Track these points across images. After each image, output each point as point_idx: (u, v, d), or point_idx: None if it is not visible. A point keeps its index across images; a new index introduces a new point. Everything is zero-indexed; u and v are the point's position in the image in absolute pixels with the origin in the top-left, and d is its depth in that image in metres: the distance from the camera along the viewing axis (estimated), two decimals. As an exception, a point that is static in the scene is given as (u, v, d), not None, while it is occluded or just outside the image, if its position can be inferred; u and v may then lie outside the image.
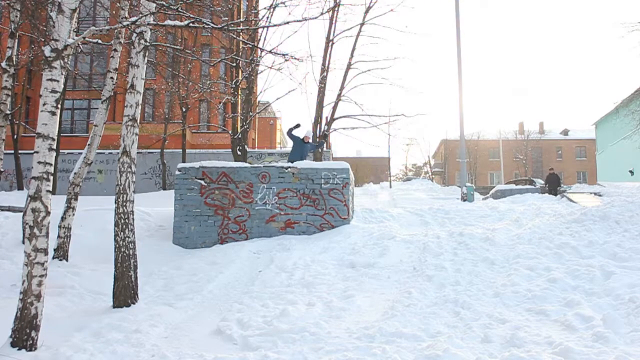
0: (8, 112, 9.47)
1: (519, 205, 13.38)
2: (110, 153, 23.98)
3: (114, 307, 5.89)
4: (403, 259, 7.62)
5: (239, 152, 17.14)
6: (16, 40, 9.35)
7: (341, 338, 4.63)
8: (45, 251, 4.57)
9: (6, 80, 9.28)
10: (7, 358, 4.17)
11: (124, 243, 6.08)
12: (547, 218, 9.45)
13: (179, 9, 7.00)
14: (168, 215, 10.56)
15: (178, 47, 16.49)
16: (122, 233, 6.10)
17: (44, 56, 4.66)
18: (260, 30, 16.90)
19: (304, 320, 5.14)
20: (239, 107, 18.48)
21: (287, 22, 6.75)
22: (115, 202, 6.17)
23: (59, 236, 8.05)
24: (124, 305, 5.87)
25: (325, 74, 17.69)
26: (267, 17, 15.92)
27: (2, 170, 9.66)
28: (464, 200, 17.51)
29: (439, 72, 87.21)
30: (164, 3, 6.43)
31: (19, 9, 9.31)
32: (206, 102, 27.21)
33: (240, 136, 17.34)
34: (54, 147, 4.67)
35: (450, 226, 10.53)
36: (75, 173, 8.37)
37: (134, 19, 5.84)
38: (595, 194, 17.79)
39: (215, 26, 6.29)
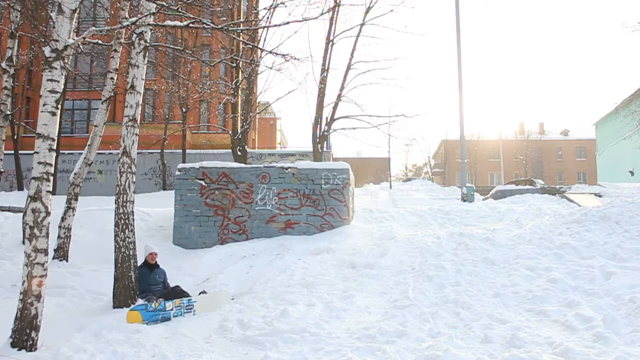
0: (8, 112, 9.48)
1: (519, 205, 13.38)
2: (110, 153, 23.91)
3: (114, 307, 5.90)
4: (403, 260, 7.62)
5: (239, 153, 17.16)
6: (16, 41, 9.37)
7: (341, 338, 4.64)
8: (45, 251, 4.57)
9: (6, 81, 9.30)
10: (7, 358, 4.16)
11: (124, 243, 6.09)
12: (547, 218, 9.44)
13: (179, 10, 7.01)
14: (168, 216, 10.56)
15: (178, 47, 16.48)
16: (122, 233, 6.10)
17: (44, 56, 4.66)
18: (260, 30, 16.90)
19: (304, 320, 5.14)
20: (239, 108, 18.48)
21: (287, 23, 6.75)
22: (116, 203, 6.18)
23: (59, 236, 8.05)
24: (124, 306, 5.87)
25: (325, 74, 17.66)
26: (267, 18, 15.96)
27: (2, 170, 9.66)
28: (464, 201, 17.50)
29: (439, 72, 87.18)
30: (164, 3, 6.43)
31: (19, 9, 9.32)
32: (206, 102, 27.19)
33: (240, 136, 17.36)
34: (54, 147, 4.68)
35: (450, 226, 10.55)
36: (75, 173, 8.37)
37: (133, 19, 5.85)
38: (595, 194, 17.76)
39: (215, 26, 6.29)
